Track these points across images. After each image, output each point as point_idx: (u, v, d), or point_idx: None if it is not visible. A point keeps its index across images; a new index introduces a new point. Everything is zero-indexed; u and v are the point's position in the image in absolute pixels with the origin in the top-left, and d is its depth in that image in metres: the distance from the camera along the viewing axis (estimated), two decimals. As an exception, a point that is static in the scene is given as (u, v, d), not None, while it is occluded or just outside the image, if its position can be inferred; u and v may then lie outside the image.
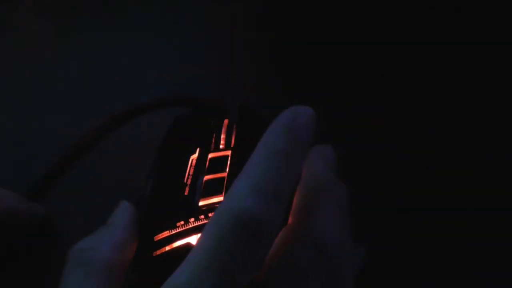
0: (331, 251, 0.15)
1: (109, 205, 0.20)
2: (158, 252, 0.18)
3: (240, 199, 0.13)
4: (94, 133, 0.31)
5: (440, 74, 0.34)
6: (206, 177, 0.20)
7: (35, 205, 0.27)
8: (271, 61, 0.35)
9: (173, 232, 0.18)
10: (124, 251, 0.18)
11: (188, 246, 0.18)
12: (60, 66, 0.35)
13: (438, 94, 0.33)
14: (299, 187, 0.17)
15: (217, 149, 0.22)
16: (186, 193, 0.20)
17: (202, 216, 0.18)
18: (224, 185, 0.20)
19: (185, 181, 0.20)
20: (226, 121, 0.23)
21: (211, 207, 0.19)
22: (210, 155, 0.21)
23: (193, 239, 0.18)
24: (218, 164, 0.21)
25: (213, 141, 0.22)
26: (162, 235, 0.18)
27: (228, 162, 0.21)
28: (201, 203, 0.19)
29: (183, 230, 0.18)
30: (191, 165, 0.21)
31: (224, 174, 0.20)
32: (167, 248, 0.18)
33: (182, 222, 0.18)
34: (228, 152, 0.21)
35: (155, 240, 0.18)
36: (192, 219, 0.18)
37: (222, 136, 0.23)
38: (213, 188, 0.20)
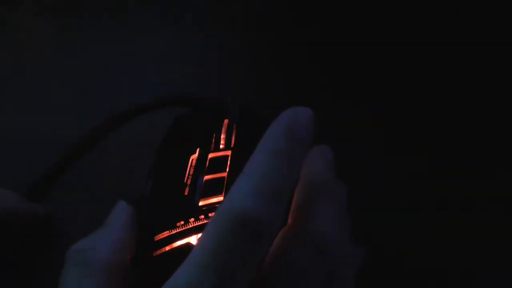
0: (330, 251, 0.15)
1: (109, 205, 0.20)
2: (158, 252, 0.18)
3: (240, 199, 0.13)
4: (94, 133, 0.31)
5: (440, 74, 0.34)
6: (206, 177, 0.20)
7: (35, 205, 0.27)
8: (271, 61, 0.35)
9: (173, 232, 0.18)
10: (122, 251, 0.18)
11: (188, 246, 0.18)
12: (60, 66, 0.35)
13: (438, 94, 0.33)
14: (298, 187, 0.17)
15: (217, 149, 0.22)
16: (186, 193, 0.20)
17: (202, 216, 0.18)
18: (224, 185, 0.20)
19: (185, 181, 0.20)
20: (226, 121, 0.23)
21: (211, 207, 0.19)
22: (210, 155, 0.21)
23: (193, 239, 0.18)
24: (218, 164, 0.21)
25: (213, 141, 0.22)
26: (162, 235, 0.18)
27: (228, 162, 0.21)
28: (201, 203, 0.19)
29: (183, 230, 0.18)
30: (191, 165, 0.21)
31: (224, 174, 0.20)
32: (167, 248, 0.18)
33: (182, 222, 0.18)
34: (228, 152, 0.21)
35: (155, 240, 0.18)
36: (192, 219, 0.18)
37: (222, 136, 0.23)
38: (213, 188, 0.20)
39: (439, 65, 0.34)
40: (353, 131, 0.31)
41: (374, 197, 0.28)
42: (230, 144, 0.22)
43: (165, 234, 0.18)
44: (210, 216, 0.18)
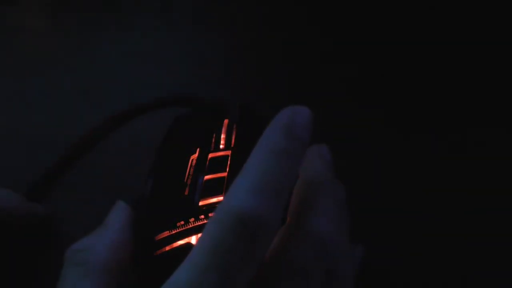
0: (330, 251, 0.15)
1: (109, 205, 0.20)
2: (158, 252, 0.18)
3: (240, 199, 0.13)
4: (94, 133, 0.31)
5: (440, 74, 0.34)
6: (206, 177, 0.20)
7: (35, 205, 0.27)
8: (271, 61, 0.35)
9: (173, 232, 0.18)
10: (120, 251, 0.18)
11: (188, 246, 0.18)
12: (60, 66, 0.35)
13: (438, 94, 0.33)
14: (297, 186, 0.17)
15: (217, 149, 0.22)
16: (186, 193, 0.20)
17: (202, 216, 0.18)
18: (224, 185, 0.20)
19: (185, 181, 0.20)
20: (226, 121, 0.23)
21: (211, 207, 0.19)
22: (210, 155, 0.21)
23: (193, 239, 0.18)
24: (218, 164, 0.21)
25: (213, 141, 0.22)
26: (162, 235, 0.18)
27: (228, 162, 0.21)
28: (201, 203, 0.19)
29: (183, 230, 0.18)
30: (191, 165, 0.21)
31: (224, 174, 0.20)
32: (167, 248, 0.18)
33: (182, 222, 0.18)
34: (228, 152, 0.21)
35: (155, 240, 0.18)
36: (192, 219, 0.18)
37: (222, 136, 0.23)
38: (213, 188, 0.20)
39: (439, 65, 0.34)
40: (353, 131, 0.31)
41: (374, 197, 0.28)
42: (230, 144, 0.22)
43: (165, 234, 0.18)
44: (210, 216, 0.18)
